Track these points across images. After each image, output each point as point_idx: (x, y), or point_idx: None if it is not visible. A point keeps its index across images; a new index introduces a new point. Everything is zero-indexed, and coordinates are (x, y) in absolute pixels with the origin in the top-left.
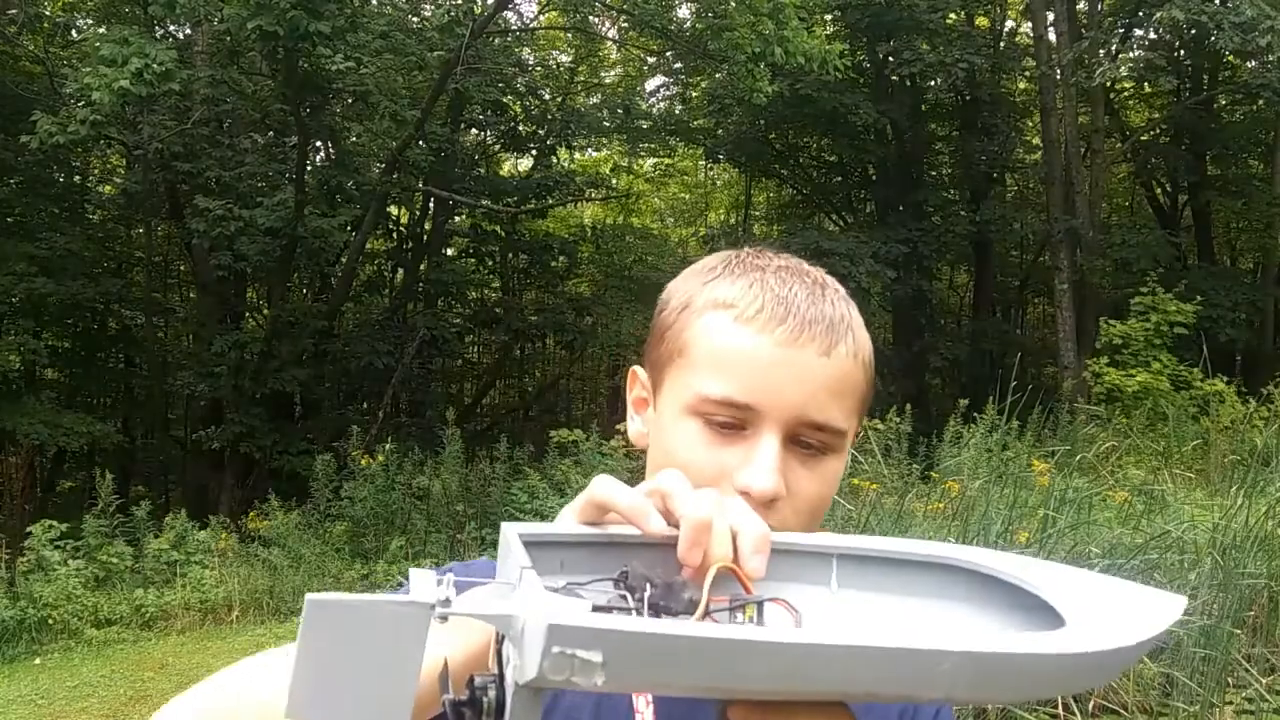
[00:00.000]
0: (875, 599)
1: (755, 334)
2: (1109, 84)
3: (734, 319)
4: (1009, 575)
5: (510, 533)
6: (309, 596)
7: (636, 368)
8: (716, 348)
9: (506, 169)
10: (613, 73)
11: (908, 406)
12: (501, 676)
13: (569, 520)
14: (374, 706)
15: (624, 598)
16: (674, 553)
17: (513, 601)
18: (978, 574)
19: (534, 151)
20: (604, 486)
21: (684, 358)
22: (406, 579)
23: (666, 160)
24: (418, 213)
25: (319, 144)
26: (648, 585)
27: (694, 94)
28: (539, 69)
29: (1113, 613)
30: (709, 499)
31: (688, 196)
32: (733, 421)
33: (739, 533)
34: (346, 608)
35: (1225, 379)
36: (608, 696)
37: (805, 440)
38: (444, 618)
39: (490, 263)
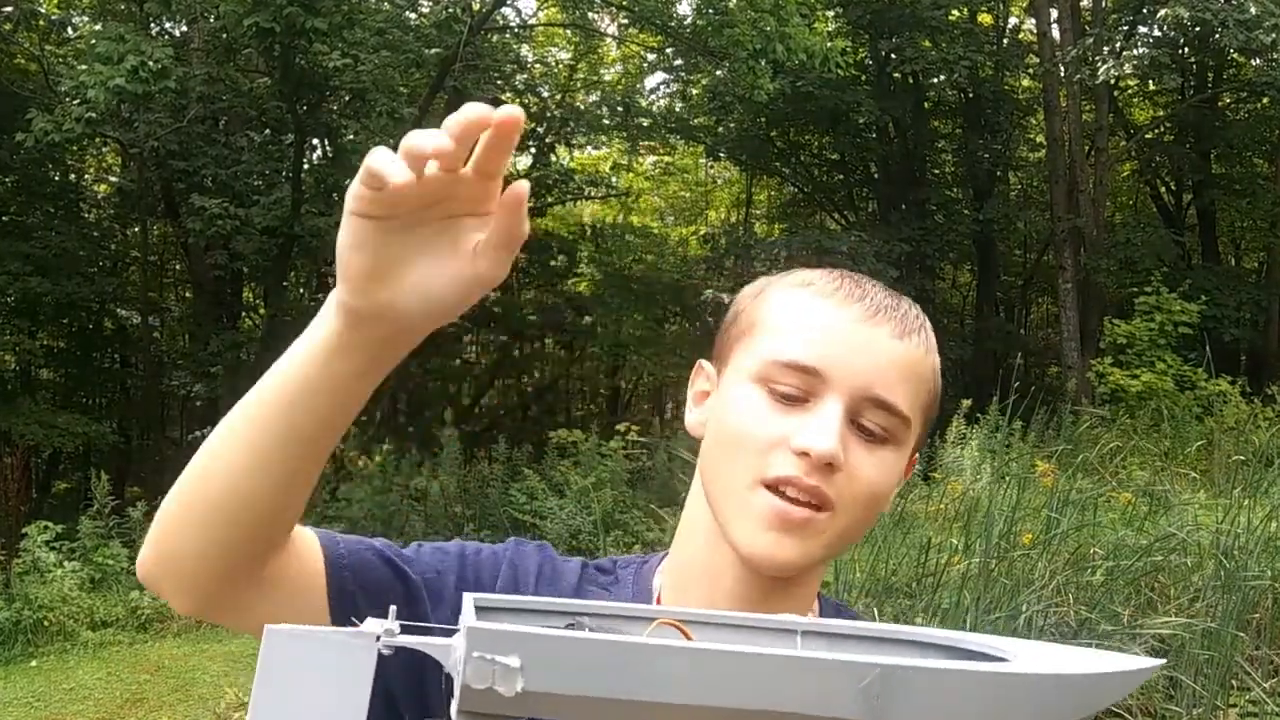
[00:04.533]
0: None
1: (833, 307)
2: (1113, 81)
3: (811, 294)
4: (974, 644)
5: (466, 599)
6: (268, 627)
7: (703, 361)
8: (790, 315)
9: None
10: (612, 70)
11: None
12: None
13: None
14: None
15: None
16: (629, 619)
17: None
18: (945, 647)
19: (533, 149)
20: (375, 157)
21: (754, 330)
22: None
23: (667, 158)
24: None
25: (316, 142)
26: (587, 629)
27: (695, 91)
28: (538, 66)
29: (1075, 661)
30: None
31: (688, 195)
32: (796, 392)
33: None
34: (301, 636)
35: (1230, 379)
36: None
37: (867, 425)
38: (390, 648)
39: None
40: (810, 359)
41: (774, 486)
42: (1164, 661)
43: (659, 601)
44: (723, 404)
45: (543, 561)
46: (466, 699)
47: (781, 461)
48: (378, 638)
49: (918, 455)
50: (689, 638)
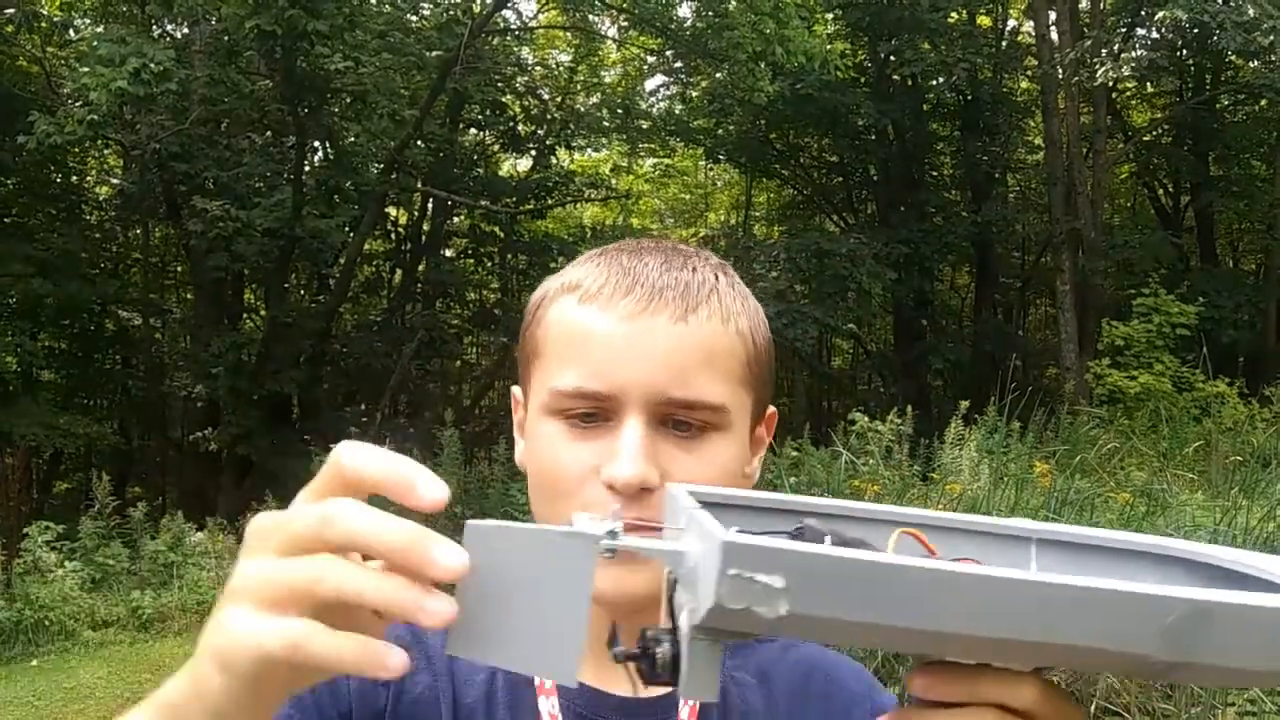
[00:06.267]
0: None
1: (599, 311)
2: (1111, 84)
3: (578, 300)
4: (1244, 566)
5: (678, 490)
6: (469, 523)
7: (514, 387)
8: (562, 335)
9: (506, 169)
10: (612, 72)
11: (909, 408)
12: (675, 629)
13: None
14: (542, 642)
15: None
16: (847, 518)
17: (685, 539)
18: (1207, 566)
19: (533, 151)
20: (353, 455)
21: (539, 355)
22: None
23: (666, 160)
24: (416, 213)
25: (317, 144)
26: (827, 540)
27: (694, 94)
28: (538, 68)
29: None
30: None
31: (688, 197)
32: (594, 413)
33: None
34: (510, 535)
35: (1227, 380)
36: (512, 707)
37: (680, 421)
38: (611, 550)
39: (489, 263)
40: (590, 382)
41: None
42: None
43: None
44: (529, 445)
45: None
46: (715, 617)
47: (595, 495)
48: (598, 539)
49: (774, 413)
50: (930, 549)
